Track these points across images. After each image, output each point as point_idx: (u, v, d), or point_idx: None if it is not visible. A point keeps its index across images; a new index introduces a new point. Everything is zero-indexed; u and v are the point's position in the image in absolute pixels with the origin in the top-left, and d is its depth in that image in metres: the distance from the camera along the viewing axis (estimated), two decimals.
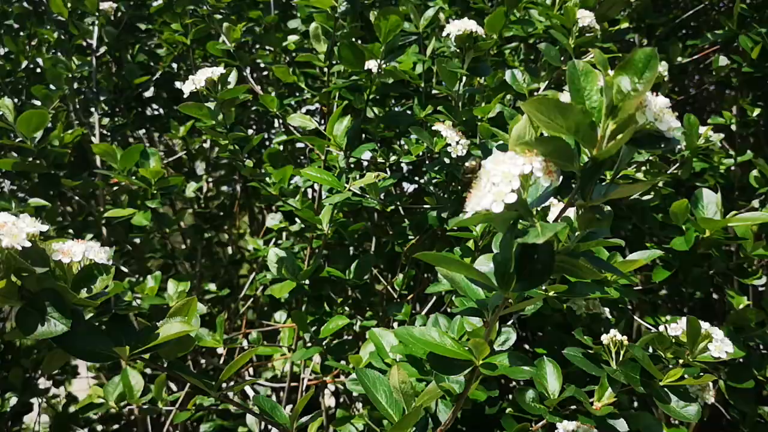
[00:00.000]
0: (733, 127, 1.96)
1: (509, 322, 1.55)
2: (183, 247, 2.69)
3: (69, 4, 2.01)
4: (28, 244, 0.86)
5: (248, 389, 2.16)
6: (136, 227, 2.01)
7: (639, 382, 1.06)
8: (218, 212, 2.71)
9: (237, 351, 2.14)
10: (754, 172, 1.84)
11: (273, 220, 2.15)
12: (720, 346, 1.04)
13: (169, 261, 2.69)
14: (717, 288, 2.05)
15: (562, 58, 1.53)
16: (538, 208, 0.73)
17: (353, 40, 1.46)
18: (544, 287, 1.21)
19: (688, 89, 2.47)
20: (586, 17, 1.50)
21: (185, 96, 1.43)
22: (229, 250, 2.94)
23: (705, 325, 1.04)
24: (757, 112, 1.98)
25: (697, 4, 2.16)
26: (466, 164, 0.80)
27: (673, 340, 1.07)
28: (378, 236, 2.00)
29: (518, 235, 0.70)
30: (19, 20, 2.30)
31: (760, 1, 1.94)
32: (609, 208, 0.76)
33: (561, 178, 0.72)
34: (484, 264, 1.09)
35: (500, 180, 0.69)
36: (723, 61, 1.94)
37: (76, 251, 0.95)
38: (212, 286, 2.48)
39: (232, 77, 1.44)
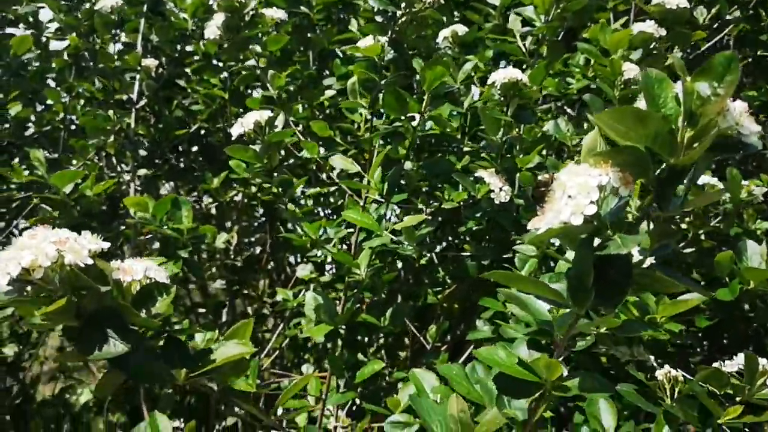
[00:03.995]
0: None
1: None
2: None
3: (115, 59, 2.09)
4: (90, 261, 0.83)
5: None
6: None
7: (697, 420, 1.03)
8: (245, 266, 2.71)
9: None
10: None
11: (303, 270, 2.14)
12: None
13: (191, 316, 2.69)
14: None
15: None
16: (613, 221, 0.73)
17: (397, 88, 1.50)
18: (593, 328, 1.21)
19: None
20: (631, 70, 1.54)
21: (233, 138, 1.46)
22: (247, 305, 2.92)
23: (763, 361, 1.02)
24: None
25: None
26: (539, 177, 0.81)
27: (730, 378, 1.05)
28: (408, 289, 1.99)
29: (596, 248, 0.70)
30: (60, 74, 2.38)
31: None
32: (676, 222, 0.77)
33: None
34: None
35: (577, 192, 0.69)
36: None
37: (137, 269, 0.93)
38: None
39: (279, 120, 1.48)
